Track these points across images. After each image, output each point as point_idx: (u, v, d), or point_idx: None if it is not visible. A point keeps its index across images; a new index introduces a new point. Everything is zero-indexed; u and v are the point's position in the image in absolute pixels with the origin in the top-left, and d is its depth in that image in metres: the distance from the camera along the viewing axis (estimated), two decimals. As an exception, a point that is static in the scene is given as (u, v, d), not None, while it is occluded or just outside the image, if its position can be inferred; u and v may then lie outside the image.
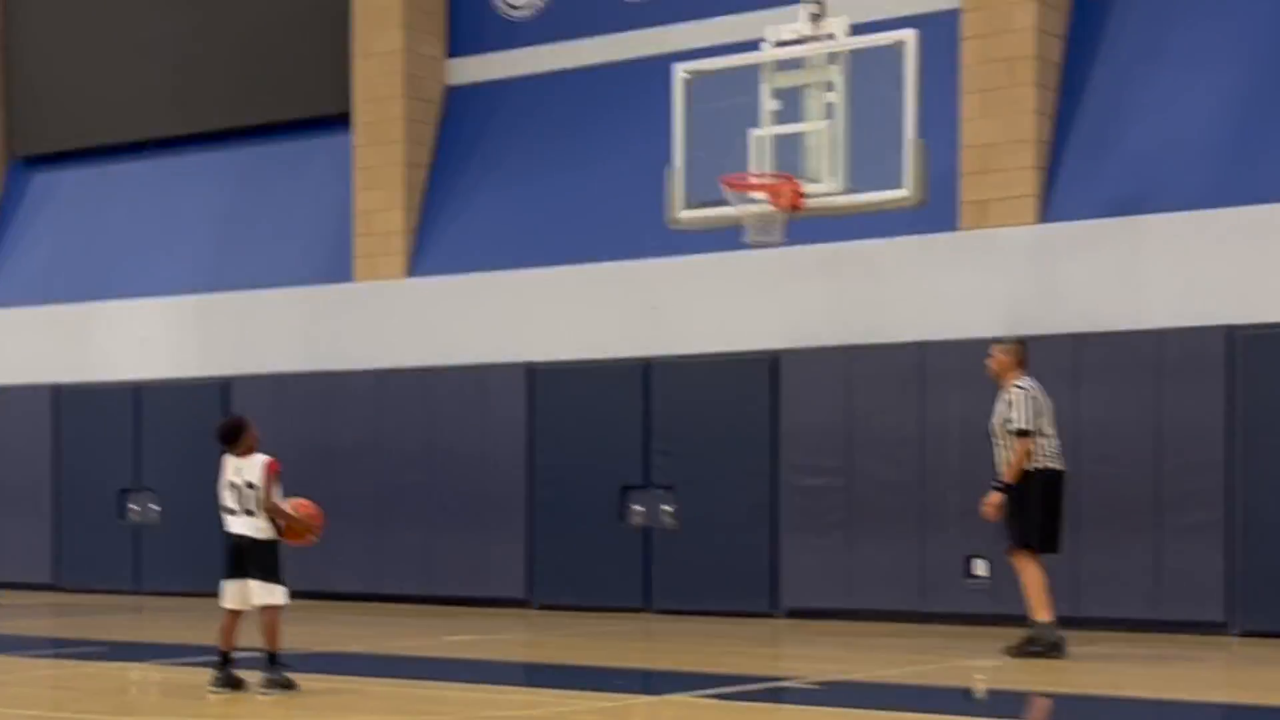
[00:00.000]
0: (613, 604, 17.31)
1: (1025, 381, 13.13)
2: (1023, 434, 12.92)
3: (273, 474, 10.78)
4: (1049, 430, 13.08)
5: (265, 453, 10.90)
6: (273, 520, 10.79)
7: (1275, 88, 15.12)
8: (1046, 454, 13.04)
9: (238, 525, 10.81)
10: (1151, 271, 15.09)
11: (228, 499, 10.85)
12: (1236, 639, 14.45)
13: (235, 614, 10.88)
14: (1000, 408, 13.12)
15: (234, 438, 10.92)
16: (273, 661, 10.76)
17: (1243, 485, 14.53)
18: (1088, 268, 15.34)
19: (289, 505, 10.89)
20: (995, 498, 12.97)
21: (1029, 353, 13.43)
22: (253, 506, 10.76)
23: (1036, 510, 12.97)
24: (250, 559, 10.78)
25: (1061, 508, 13.17)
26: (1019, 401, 12.98)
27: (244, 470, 10.82)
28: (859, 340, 16.20)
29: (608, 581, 17.38)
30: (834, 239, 16.17)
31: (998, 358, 13.33)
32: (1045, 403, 13.11)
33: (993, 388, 14.87)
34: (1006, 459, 13.01)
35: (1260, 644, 14.10)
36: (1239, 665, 13.13)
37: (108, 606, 18.82)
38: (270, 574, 10.77)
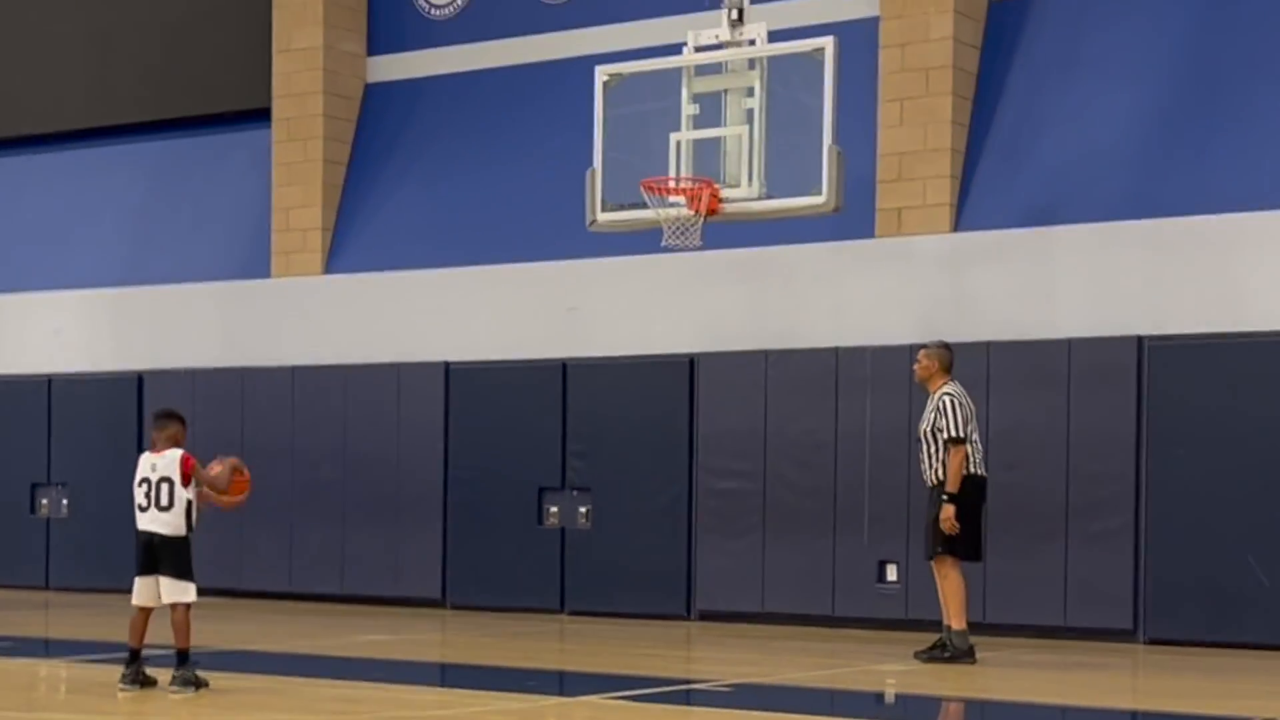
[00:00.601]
0: (527, 605, 17.33)
1: (952, 388, 13.08)
2: (957, 441, 12.87)
3: (191, 468, 10.75)
4: (975, 437, 13.10)
5: (179, 429, 10.93)
6: (189, 510, 10.73)
7: (1188, 100, 15.32)
8: (974, 461, 13.02)
9: (148, 522, 10.76)
10: (1063, 281, 15.26)
11: (139, 495, 10.80)
12: (1143, 646, 14.63)
13: (145, 611, 10.83)
14: (930, 414, 13.10)
15: (169, 419, 10.91)
16: (183, 660, 10.72)
17: (1151, 494, 14.71)
18: (1000, 277, 15.49)
19: (217, 471, 10.88)
20: (949, 509, 12.83)
21: (954, 358, 13.43)
22: (166, 502, 10.71)
23: (963, 518, 12.90)
24: (161, 556, 10.73)
25: (983, 515, 13.23)
26: (948, 409, 12.92)
27: (159, 466, 10.78)
28: (775, 345, 16.29)
29: (522, 583, 17.39)
30: (751, 244, 16.25)
31: (923, 363, 13.26)
32: (971, 409, 13.12)
33: (906, 394, 15.01)
34: (936, 467, 12.95)
35: (1166, 651, 14.28)
36: (1144, 672, 13.30)
37: (16, 602, 18.66)
38: (181, 571, 10.73)
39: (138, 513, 10.80)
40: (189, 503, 10.75)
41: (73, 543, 19.92)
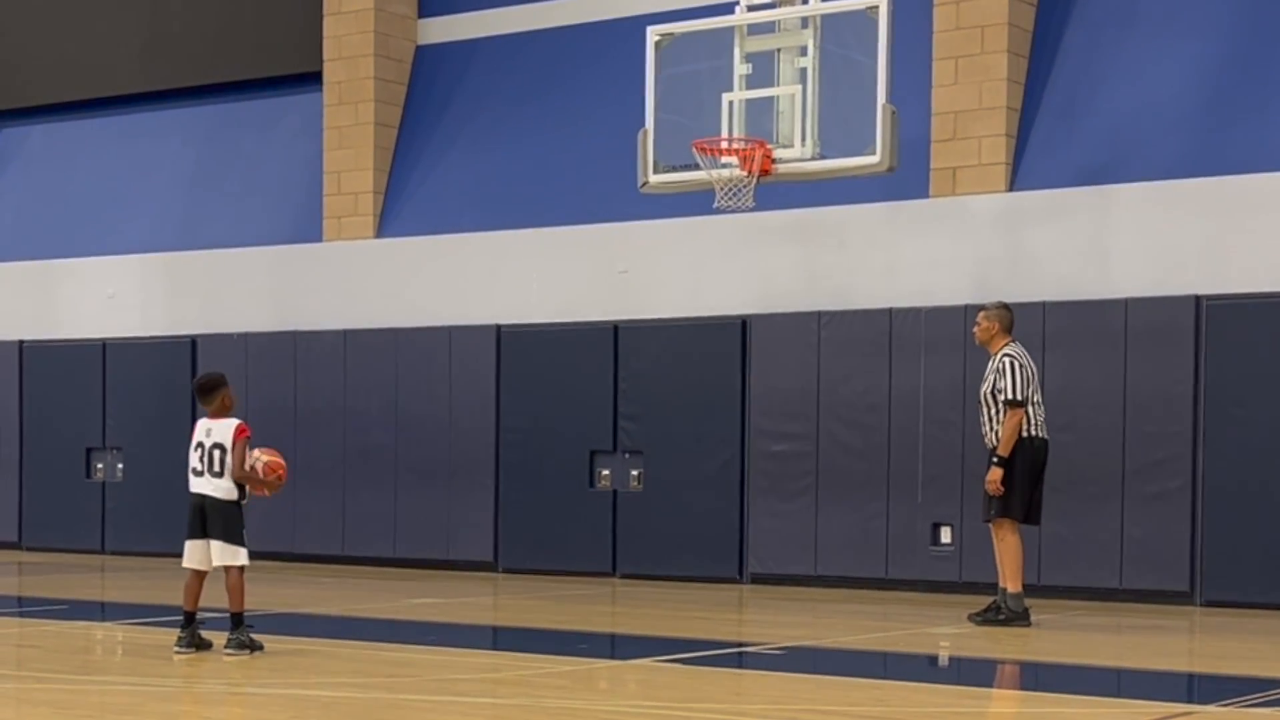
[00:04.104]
0: (579, 568, 17.32)
1: (1013, 349, 12.93)
2: (1015, 404, 12.73)
3: (242, 439, 10.75)
4: (1037, 399, 12.98)
5: (235, 414, 10.90)
6: (239, 485, 10.77)
7: (1246, 57, 15.13)
8: (1035, 424, 12.89)
9: (202, 485, 10.78)
10: (1120, 240, 15.12)
11: (194, 459, 10.83)
12: (1200, 608, 14.52)
13: (199, 574, 10.85)
14: (990, 375, 12.94)
15: (209, 392, 10.91)
16: (237, 622, 10.74)
17: (1208, 456, 14.58)
18: (1056, 236, 15.35)
19: (255, 462, 10.86)
20: (996, 473, 12.73)
21: (1015, 319, 13.27)
22: (219, 468, 10.73)
23: (1023, 480, 12.81)
24: (212, 520, 10.75)
25: (1043, 478, 13.10)
26: (1008, 370, 12.77)
27: (214, 432, 10.80)
28: (828, 306, 16.20)
29: (574, 546, 17.38)
30: (804, 204, 16.16)
31: (983, 324, 13.10)
32: (1033, 370, 12.98)
33: (961, 354, 14.93)
34: (996, 429, 12.83)
35: (1223, 613, 14.17)
36: (1201, 635, 13.20)
37: (72, 565, 18.77)
38: (232, 535, 10.74)
39: (191, 476, 10.85)
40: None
41: (127, 506, 20.02)
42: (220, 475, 10.75)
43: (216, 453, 10.76)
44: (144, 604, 14.30)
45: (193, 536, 10.82)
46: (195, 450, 10.86)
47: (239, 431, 10.76)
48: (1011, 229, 15.55)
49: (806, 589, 15.99)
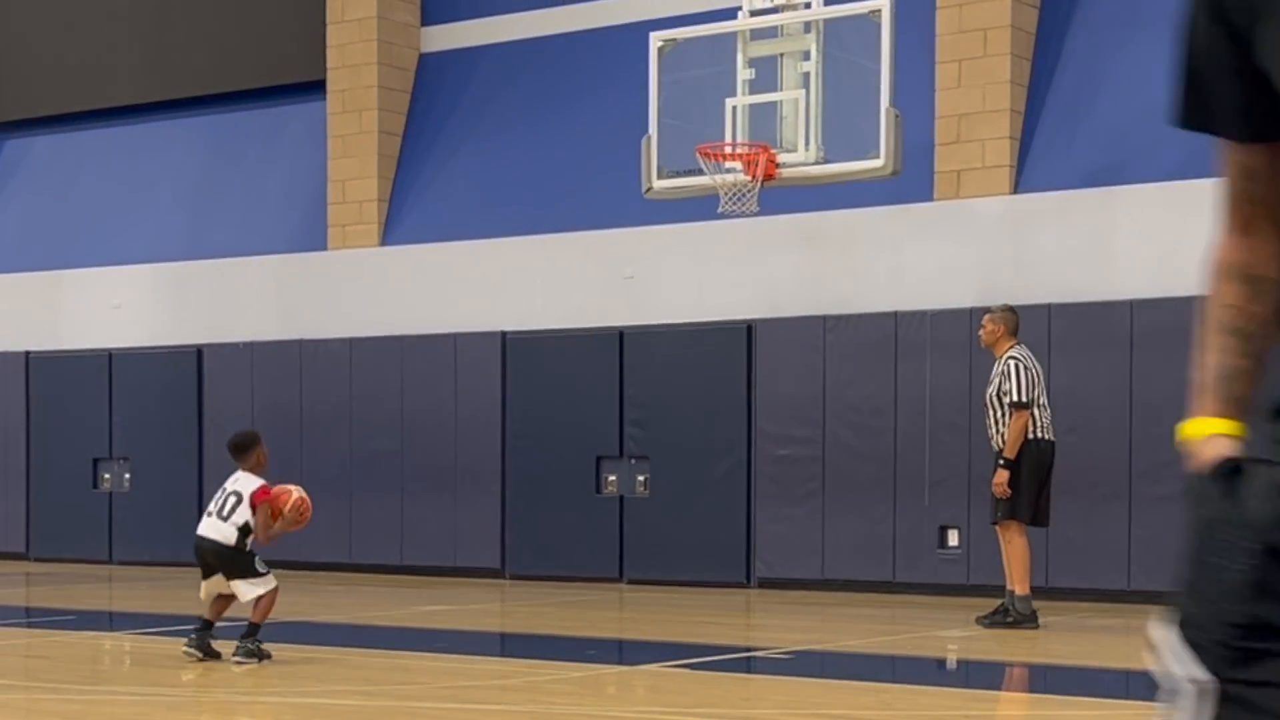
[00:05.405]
0: (586, 574, 17.32)
1: (1019, 351, 12.94)
2: (1021, 406, 12.75)
3: (261, 503, 10.70)
4: (1043, 401, 12.99)
5: (258, 451, 10.93)
6: (245, 528, 10.73)
7: (1250, 59, 15.11)
8: (1041, 425, 12.91)
9: (206, 528, 10.76)
10: (1125, 242, 15.11)
11: (213, 500, 10.88)
12: (1208, 609, 14.47)
13: (226, 598, 10.84)
14: (996, 378, 12.95)
15: (243, 450, 10.95)
16: (251, 631, 10.73)
17: (1215, 456, 14.54)
18: (1061, 238, 15.35)
19: (280, 507, 10.81)
20: (1003, 475, 12.74)
21: (1020, 321, 13.29)
22: (227, 513, 10.74)
23: (1030, 482, 12.81)
24: (223, 567, 10.72)
25: (1050, 480, 13.10)
26: (1013, 373, 12.78)
27: (239, 482, 10.83)
28: (833, 310, 16.20)
29: (581, 552, 17.38)
30: (809, 209, 16.16)
31: (988, 327, 13.10)
32: (1038, 372, 13.00)
33: (966, 358, 14.91)
34: (1002, 431, 12.85)
35: (1231, 614, 14.12)
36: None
37: (79, 576, 18.78)
38: (249, 572, 10.73)
39: (204, 516, 10.85)
40: (247, 522, 10.72)
41: (135, 516, 20.03)
42: (225, 520, 10.73)
43: (231, 499, 10.78)
44: (152, 613, 14.30)
45: (206, 577, 10.81)
46: (218, 492, 10.89)
47: (260, 493, 10.74)
48: (1016, 231, 15.55)
49: (814, 593, 15.99)
